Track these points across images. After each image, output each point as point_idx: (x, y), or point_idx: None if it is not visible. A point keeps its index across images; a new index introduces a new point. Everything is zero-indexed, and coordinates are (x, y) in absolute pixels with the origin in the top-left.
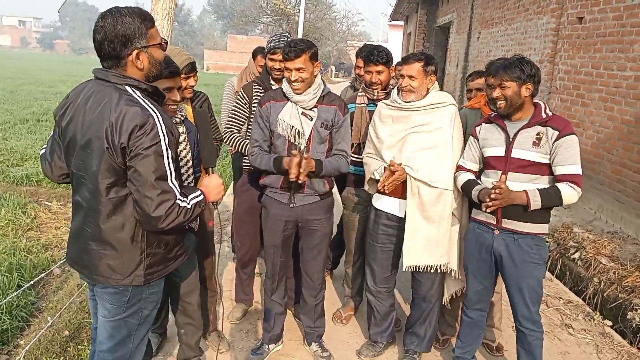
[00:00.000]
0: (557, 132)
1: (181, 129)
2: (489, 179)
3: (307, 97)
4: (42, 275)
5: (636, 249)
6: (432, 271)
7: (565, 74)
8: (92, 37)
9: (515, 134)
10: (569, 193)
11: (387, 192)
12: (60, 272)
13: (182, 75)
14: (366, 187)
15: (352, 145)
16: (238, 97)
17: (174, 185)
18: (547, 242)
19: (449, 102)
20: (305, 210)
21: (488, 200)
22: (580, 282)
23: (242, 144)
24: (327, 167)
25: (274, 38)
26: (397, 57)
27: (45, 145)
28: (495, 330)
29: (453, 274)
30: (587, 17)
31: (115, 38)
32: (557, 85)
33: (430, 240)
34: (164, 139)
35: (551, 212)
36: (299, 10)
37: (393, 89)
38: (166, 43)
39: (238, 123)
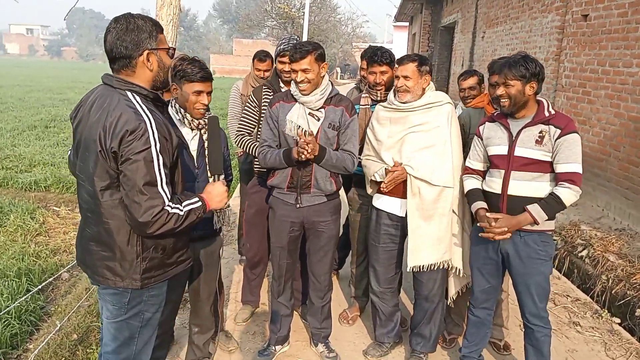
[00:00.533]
0: (559, 130)
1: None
2: (492, 178)
3: (314, 98)
4: (51, 279)
5: None
6: (434, 269)
7: (571, 71)
8: (102, 41)
9: (518, 133)
10: (568, 196)
11: (386, 191)
12: (68, 276)
13: None
14: (369, 191)
15: None
16: (248, 101)
17: (164, 191)
18: (554, 239)
19: (445, 101)
20: (312, 212)
21: (487, 226)
22: (588, 279)
23: (252, 146)
24: (332, 155)
25: (283, 41)
26: None
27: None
28: (503, 329)
29: (456, 271)
30: (592, 15)
31: (128, 37)
32: (563, 83)
33: (432, 238)
34: (155, 145)
35: None
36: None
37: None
38: (174, 51)
39: (249, 126)
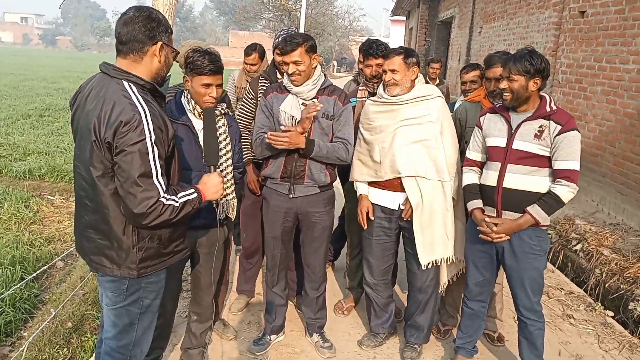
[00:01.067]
0: (559, 127)
1: (222, 122)
2: (488, 171)
3: (306, 89)
4: (45, 267)
5: (638, 241)
6: (442, 264)
7: (567, 67)
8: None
9: (518, 126)
10: (566, 194)
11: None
12: (63, 264)
13: None
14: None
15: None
16: (245, 93)
17: (160, 182)
18: (548, 233)
19: (435, 94)
20: (305, 202)
21: (489, 231)
22: (582, 273)
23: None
24: (322, 147)
25: (281, 33)
26: None
27: None
28: (497, 321)
29: (448, 259)
30: (589, 11)
31: (148, 25)
32: (560, 78)
33: (441, 232)
34: (150, 136)
35: None
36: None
37: None
38: (177, 54)
39: (246, 119)
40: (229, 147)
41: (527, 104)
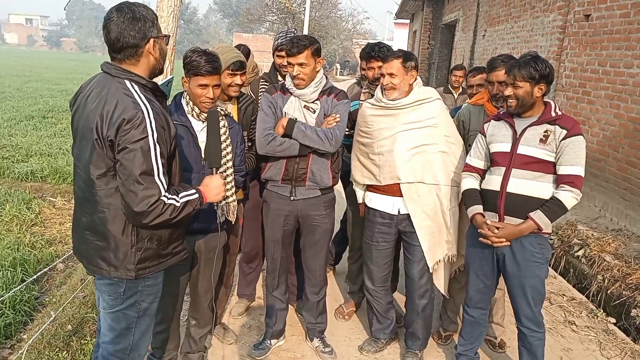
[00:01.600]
0: (565, 132)
1: (222, 123)
2: (492, 175)
3: (308, 91)
4: (45, 269)
5: None
6: (447, 261)
7: (571, 71)
8: (102, 33)
9: (523, 131)
10: (570, 200)
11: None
12: (64, 267)
13: (228, 72)
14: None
15: None
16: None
17: (161, 181)
18: (550, 239)
19: (434, 97)
20: (306, 205)
21: (491, 234)
22: (584, 279)
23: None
24: (299, 128)
25: (281, 35)
26: None
27: None
28: (498, 327)
29: (449, 259)
30: (594, 15)
31: (135, 26)
32: (563, 82)
33: (442, 233)
34: (152, 134)
35: None
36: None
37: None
38: (169, 38)
39: None
40: (229, 149)
41: (532, 109)
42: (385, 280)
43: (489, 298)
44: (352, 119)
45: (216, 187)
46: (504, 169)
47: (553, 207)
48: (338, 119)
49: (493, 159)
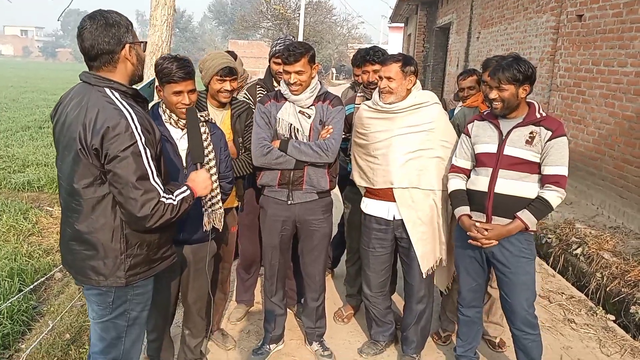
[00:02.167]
0: (550, 133)
1: (203, 129)
2: (478, 176)
3: (303, 96)
4: (43, 279)
5: (639, 244)
6: (438, 265)
7: (565, 71)
8: (78, 41)
9: (509, 132)
10: (556, 199)
11: None
12: (61, 276)
13: (217, 77)
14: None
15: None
16: (244, 99)
17: (157, 183)
18: (549, 237)
19: (432, 101)
20: (304, 210)
21: (480, 236)
22: (582, 277)
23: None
24: (294, 145)
25: (278, 42)
26: None
27: None
28: (497, 327)
29: (441, 262)
30: (586, 15)
31: (109, 33)
32: (558, 82)
33: (435, 238)
34: (140, 139)
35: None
36: (299, 14)
37: None
38: (145, 44)
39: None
40: (211, 156)
41: (517, 110)
42: (383, 286)
43: (481, 296)
44: (348, 123)
45: (203, 181)
46: (490, 169)
47: (539, 207)
48: (332, 131)
49: (478, 159)
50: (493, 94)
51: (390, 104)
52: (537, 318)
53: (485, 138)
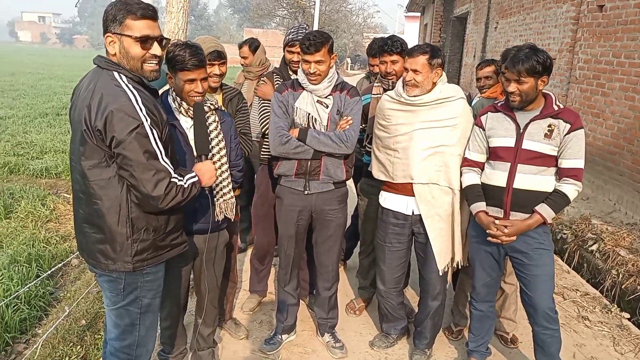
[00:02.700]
0: (569, 125)
1: (212, 117)
2: (495, 171)
3: (322, 86)
4: (60, 265)
5: None
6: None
7: (585, 63)
8: None
9: (526, 125)
10: (574, 192)
11: None
12: (78, 262)
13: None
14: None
15: (367, 135)
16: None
17: (167, 163)
18: (564, 233)
19: (458, 95)
20: (320, 200)
21: (499, 234)
22: (597, 274)
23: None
24: (313, 135)
25: (292, 30)
26: None
27: None
28: (510, 322)
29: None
30: (607, 5)
31: (104, 20)
32: (577, 74)
33: (453, 236)
34: (146, 120)
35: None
36: (315, 2)
37: None
38: (151, 41)
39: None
40: (222, 145)
41: (534, 102)
42: (398, 282)
43: (495, 291)
44: (364, 113)
45: (208, 171)
46: (508, 164)
47: (558, 200)
48: (351, 122)
49: (494, 153)
50: (512, 87)
51: (414, 96)
52: (557, 313)
53: (501, 131)
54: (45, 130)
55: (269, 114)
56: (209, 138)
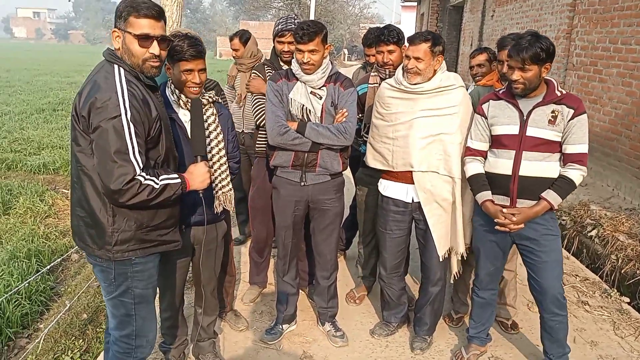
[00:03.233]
0: (572, 111)
1: (210, 111)
2: (499, 159)
3: (315, 77)
4: (60, 260)
5: None
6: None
7: (582, 49)
8: (109, 24)
9: (529, 112)
10: (579, 177)
11: None
12: (78, 257)
13: None
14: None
15: (365, 125)
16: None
17: (136, 160)
18: (563, 219)
19: (458, 84)
20: (316, 190)
21: (507, 222)
22: (597, 259)
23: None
24: (312, 127)
25: (281, 21)
26: None
27: None
28: (510, 309)
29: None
30: None
31: (115, 13)
32: (574, 61)
33: (453, 223)
34: (125, 113)
35: None
36: None
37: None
38: (151, 40)
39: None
40: (220, 137)
41: (536, 89)
42: (398, 267)
43: (498, 279)
44: (360, 103)
45: (201, 175)
46: (513, 152)
47: (564, 186)
48: (347, 114)
49: (498, 141)
50: (516, 75)
51: (415, 84)
52: (566, 299)
53: (504, 119)
54: (42, 126)
55: (263, 107)
56: (207, 136)
